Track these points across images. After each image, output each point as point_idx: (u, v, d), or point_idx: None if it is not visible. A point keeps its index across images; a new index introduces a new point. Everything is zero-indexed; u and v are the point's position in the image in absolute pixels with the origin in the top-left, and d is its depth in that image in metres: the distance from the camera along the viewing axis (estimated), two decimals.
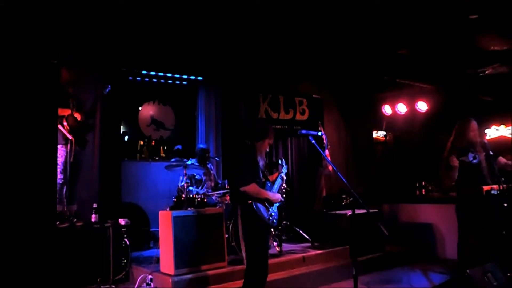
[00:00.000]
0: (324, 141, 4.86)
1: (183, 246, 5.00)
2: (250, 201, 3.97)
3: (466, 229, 5.19)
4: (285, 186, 4.50)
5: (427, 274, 6.29)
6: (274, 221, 4.12)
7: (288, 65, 7.80)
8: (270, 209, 4.10)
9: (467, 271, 4.27)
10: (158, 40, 6.36)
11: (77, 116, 5.75)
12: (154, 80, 7.39)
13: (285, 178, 4.49)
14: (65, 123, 5.60)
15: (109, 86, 5.94)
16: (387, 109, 8.84)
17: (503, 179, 4.98)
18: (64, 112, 5.66)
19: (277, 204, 4.24)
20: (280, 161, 4.65)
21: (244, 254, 4.04)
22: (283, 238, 6.77)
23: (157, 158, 8.24)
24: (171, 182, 7.05)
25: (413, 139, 9.34)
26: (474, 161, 5.07)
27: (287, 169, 8.28)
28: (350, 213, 6.73)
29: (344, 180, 4.03)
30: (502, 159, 5.27)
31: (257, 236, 4.02)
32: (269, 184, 4.27)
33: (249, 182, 3.96)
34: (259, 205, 4.01)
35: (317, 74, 8.55)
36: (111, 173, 6.31)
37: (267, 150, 4.32)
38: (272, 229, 4.19)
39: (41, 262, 3.70)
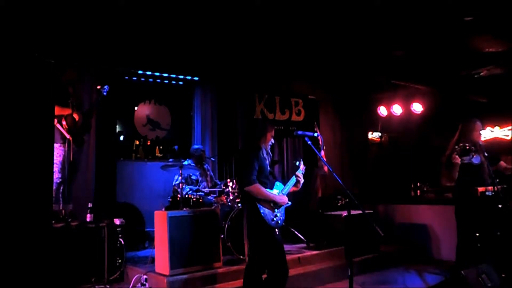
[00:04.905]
0: (320, 142, 4.86)
1: (178, 246, 4.99)
2: (254, 202, 3.95)
3: (463, 230, 5.20)
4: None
5: (421, 275, 6.31)
6: (279, 222, 4.07)
7: (285, 66, 7.82)
8: (276, 211, 4.06)
9: (462, 272, 4.28)
10: (155, 40, 6.36)
11: (76, 116, 5.74)
12: (150, 80, 7.39)
13: (300, 178, 4.38)
14: (63, 123, 5.60)
15: (107, 86, 5.94)
16: (382, 110, 8.86)
17: (497, 180, 5.01)
18: (64, 111, 5.65)
19: (286, 206, 4.20)
20: (297, 163, 4.54)
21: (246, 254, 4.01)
22: None
23: (154, 158, 8.21)
24: (166, 182, 7.04)
25: (408, 140, 9.37)
26: (475, 161, 5.09)
27: (285, 169, 8.34)
28: (345, 214, 6.73)
29: (339, 181, 4.03)
30: (503, 164, 5.31)
31: (262, 238, 4.00)
32: (277, 184, 4.25)
33: (253, 182, 3.94)
34: (264, 206, 3.98)
35: (313, 75, 8.57)
36: (106, 172, 6.30)
37: (272, 142, 4.30)
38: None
39: (36, 262, 3.68)
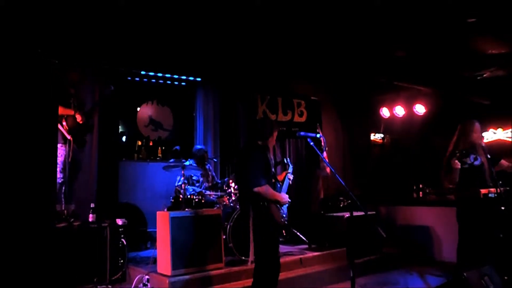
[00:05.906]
0: (322, 143, 4.84)
1: (180, 246, 4.99)
2: (263, 203, 3.93)
3: (465, 232, 5.18)
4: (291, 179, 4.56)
5: (423, 277, 6.31)
6: (285, 222, 4.14)
7: (287, 67, 7.82)
8: (281, 210, 4.10)
9: (464, 274, 4.27)
10: (157, 41, 6.37)
11: (77, 116, 5.76)
12: (153, 80, 7.41)
13: (291, 177, 4.46)
14: (64, 123, 5.62)
15: (112, 86, 5.96)
16: (385, 112, 8.85)
17: (500, 182, 4.99)
18: (65, 112, 5.67)
19: (286, 205, 4.23)
20: (286, 160, 4.62)
21: (251, 256, 4.00)
22: (280, 239, 6.76)
23: (157, 159, 8.23)
24: (168, 182, 7.05)
25: (410, 142, 9.35)
26: (476, 163, 5.06)
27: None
28: (347, 215, 6.73)
29: (342, 182, 4.01)
30: (504, 162, 5.28)
31: (270, 237, 4.00)
32: (278, 185, 4.25)
33: (263, 183, 3.90)
34: (272, 206, 3.99)
35: (315, 76, 8.56)
36: (108, 173, 6.32)
37: (274, 143, 4.32)
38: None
39: (39, 261, 3.69)
